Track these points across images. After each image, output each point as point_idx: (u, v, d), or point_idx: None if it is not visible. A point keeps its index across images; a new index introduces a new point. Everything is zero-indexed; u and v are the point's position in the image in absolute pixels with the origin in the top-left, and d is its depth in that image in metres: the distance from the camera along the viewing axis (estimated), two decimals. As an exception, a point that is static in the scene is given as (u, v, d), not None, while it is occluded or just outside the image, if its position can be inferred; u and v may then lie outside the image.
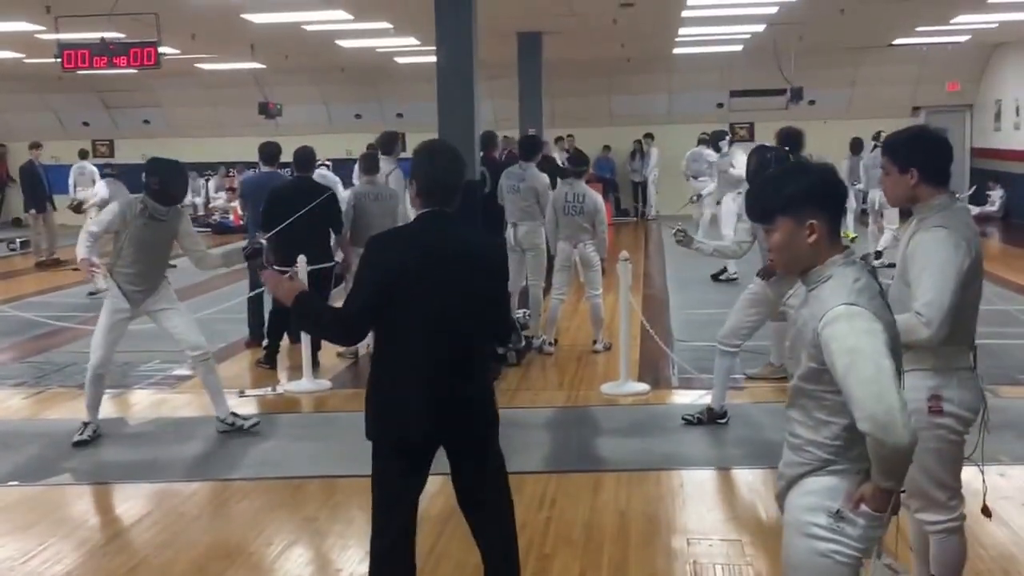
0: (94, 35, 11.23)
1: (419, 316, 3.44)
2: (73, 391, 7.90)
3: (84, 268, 6.50)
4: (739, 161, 12.70)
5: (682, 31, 15.39)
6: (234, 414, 6.75)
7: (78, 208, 17.02)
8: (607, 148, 21.64)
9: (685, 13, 13.34)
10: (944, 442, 3.44)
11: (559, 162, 17.36)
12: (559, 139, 19.48)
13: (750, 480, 5.74)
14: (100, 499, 5.67)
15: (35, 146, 16.19)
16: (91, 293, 11.88)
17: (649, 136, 21.46)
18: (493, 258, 3.71)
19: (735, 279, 12.60)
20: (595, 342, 9.08)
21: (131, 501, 5.62)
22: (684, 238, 6.61)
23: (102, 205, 15.83)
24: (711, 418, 6.71)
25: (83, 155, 19.21)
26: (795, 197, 2.67)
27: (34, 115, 22.38)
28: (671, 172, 21.21)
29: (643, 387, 7.75)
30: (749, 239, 6.57)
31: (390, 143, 10.06)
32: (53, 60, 10.61)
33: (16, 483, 5.88)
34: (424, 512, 5.08)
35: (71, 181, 18.76)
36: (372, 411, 3.54)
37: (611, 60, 19.54)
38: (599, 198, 8.74)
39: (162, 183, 6.31)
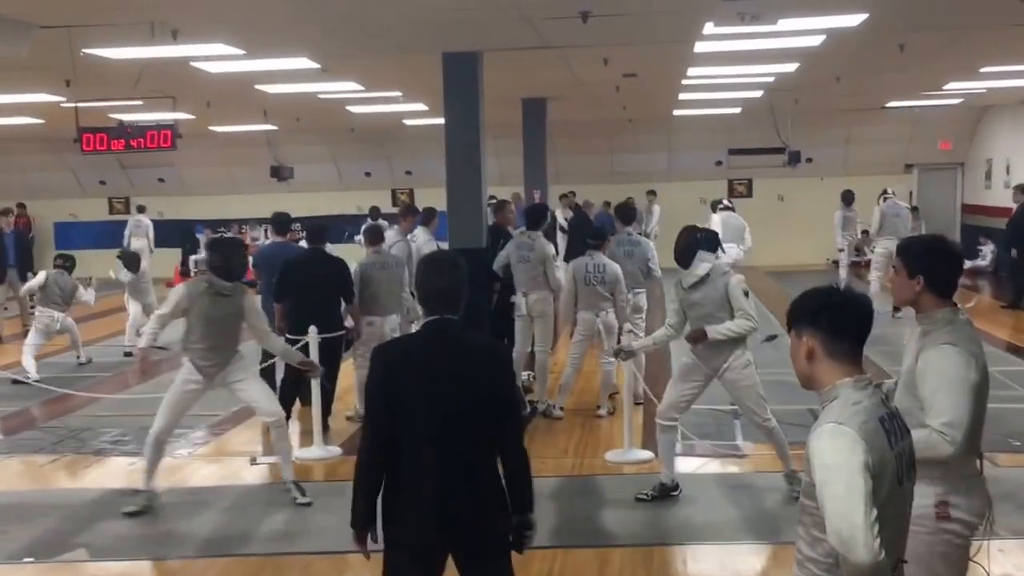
0: (114, 103, 11.55)
1: (422, 426, 3.53)
2: (89, 458, 8.07)
3: (141, 358, 6.64)
4: (714, 222, 12.99)
5: (682, 96, 15.76)
6: (296, 484, 6.93)
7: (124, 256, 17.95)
8: (607, 204, 21.86)
9: (685, 81, 13.71)
10: (951, 546, 3.53)
11: (561, 221, 17.68)
12: (564, 196, 19.75)
13: (756, 556, 5.84)
14: (115, 577, 5.79)
15: (4, 212, 14.90)
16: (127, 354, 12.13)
17: (652, 193, 21.75)
18: (496, 361, 3.71)
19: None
20: (599, 407, 9.22)
21: (147, 578, 5.75)
22: (627, 355, 7.17)
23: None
24: (663, 493, 6.81)
25: (140, 210, 20.71)
26: (795, 314, 2.85)
27: (53, 174, 22.80)
28: (673, 227, 21.44)
29: (647, 455, 7.85)
30: (677, 319, 6.76)
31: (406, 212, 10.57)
32: (73, 129, 10.90)
33: (31, 560, 5.96)
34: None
35: (127, 232, 19.79)
36: (382, 517, 3.62)
37: (613, 121, 19.92)
38: (619, 268, 8.97)
39: (224, 260, 6.60)
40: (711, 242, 6.75)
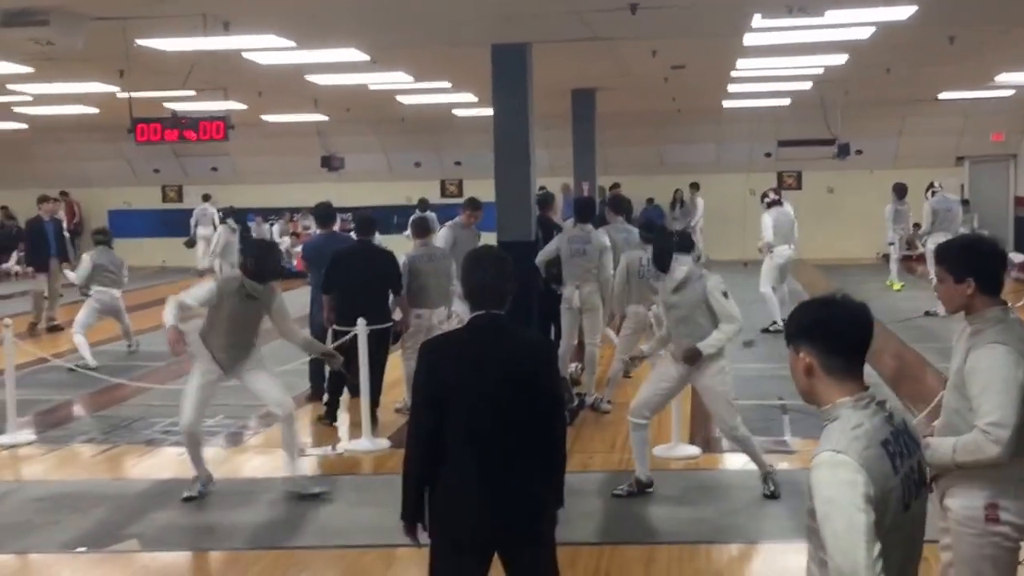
0: (167, 93, 11.67)
1: (468, 421, 3.55)
2: (140, 448, 8.19)
3: (172, 338, 6.63)
4: (766, 224, 12.79)
5: (731, 87, 15.62)
6: (303, 479, 6.96)
7: (191, 245, 18.59)
8: (651, 201, 21.72)
9: (734, 73, 13.59)
10: (1000, 549, 3.49)
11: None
12: (613, 186, 19.64)
13: (803, 556, 5.73)
14: (165, 569, 5.84)
15: (43, 199, 14.62)
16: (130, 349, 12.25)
17: (695, 185, 21.52)
18: (542, 357, 3.76)
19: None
20: (647, 402, 9.17)
21: (195, 571, 5.81)
22: (638, 361, 7.33)
23: (222, 250, 16.40)
24: (640, 489, 6.80)
25: (206, 198, 21.34)
26: (790, 329, 2.75)
27: (108, 163, 23.16)
28: (721, 219, 21.34)
29: (694, 450, 7.81)
30: (666, 323, 6.83)
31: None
32: (127, 118, 11.07)
33: (84, 549, 6.04)
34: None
35: (193, 221, 20.85)
36: (430, 511, 3.64)
37: (662, 112, 19.78)
38: None
39: (257, 263, 6.68)
40: (685, 244, 6.73)
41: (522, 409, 3.56)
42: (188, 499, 6.78)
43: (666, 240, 6.73)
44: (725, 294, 6.43)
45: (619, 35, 10.13)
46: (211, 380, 6.78)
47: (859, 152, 19.77)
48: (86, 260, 11.77)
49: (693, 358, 6.42)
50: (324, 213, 9.74)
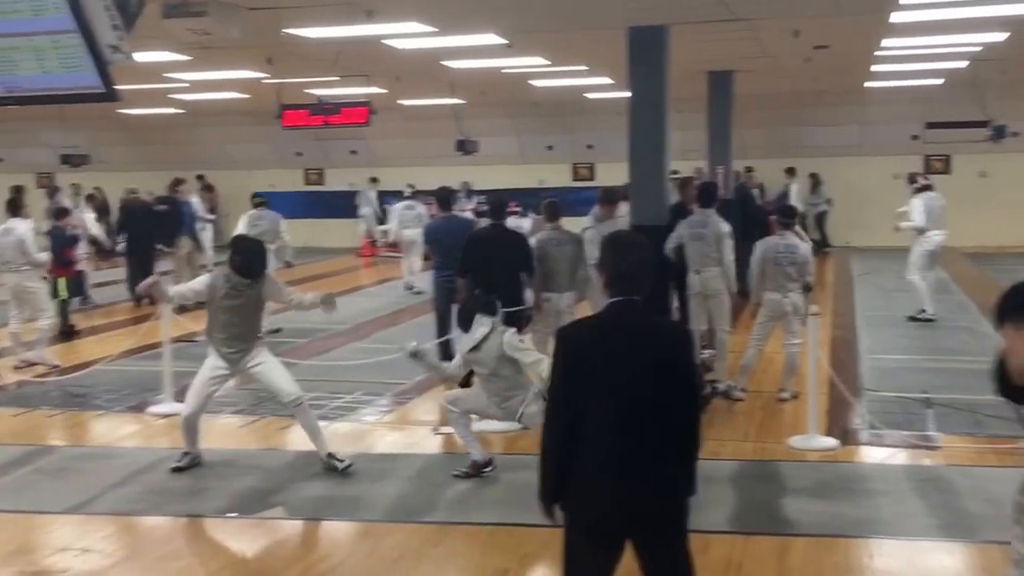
0: (312, 79, 12.03)
1: (604, 407, 3.56)
2: (285, 421, 8.50)
3: (150, 282, 7.41)
4: (916, 208, 12.32)
5: (875, 67, 15.06)
6: (331, 455, 7.12)
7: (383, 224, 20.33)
8: (791, 171, 21.14)
9: (879, 52, 13.08)
10: None
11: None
12: (748, 169, 19.12)
13: (948, 555, 5.60)
14: (309, 536, 6.10)
15: (179, 182, 15.64)
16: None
17: (791, 171, 20.77)
18: (679, 345, 3.74)
19: (933, 320, 12.18)
20: (782, 391, 9.01)
21: (336, 540, 6.05)
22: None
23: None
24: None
25: (373, 181, 23.13)
26: (1010, 306, 2.71)
27: (253, 146, 24.05)
28: (861, 204, 20.68)
29: (832, 442, 7.65)
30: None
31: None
32: (275, 102, 11.49)
33: (235, 515, 6.36)
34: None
35: (357, 202, 22.79)
36: (564, 494, 3.65)
37: (801, 93, 19.27)
38: (809, 249, 8.77)
39: (243, 260, 7.01)
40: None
41: (658, 395, 3.56)
42: (176, 470, 7.12)
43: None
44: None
45: (759, 15, 9.91)
46: (219, 375, 7.11)
47: (1015, 134, 18.81)
48: (242, 221, 12.48)
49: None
50: (444, 196, 10.24)
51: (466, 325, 6.84)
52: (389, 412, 8.92)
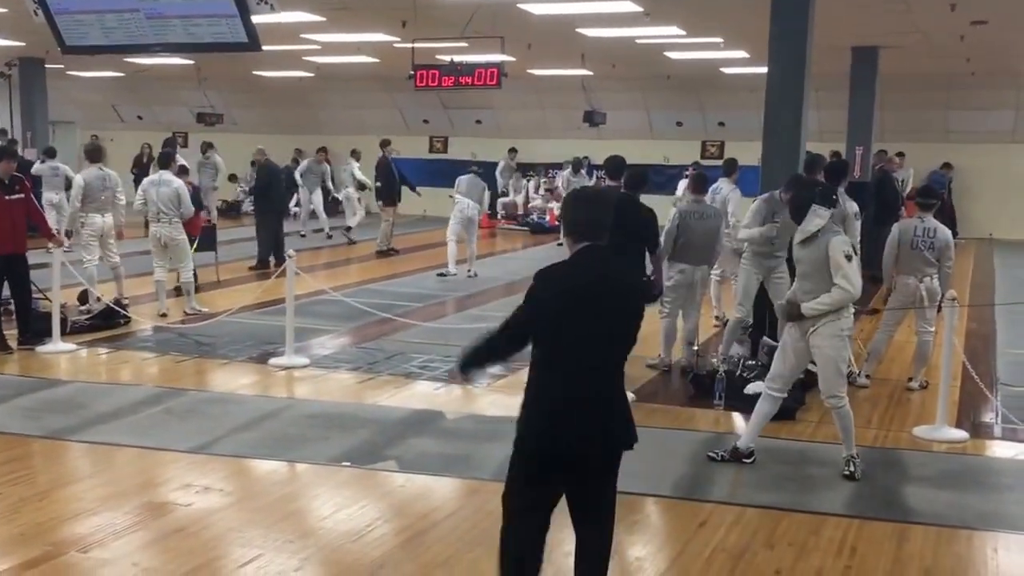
0: (446, 44, 12.04)
1: (569, 341, 3.76)
2: (400, 379, 8.65)
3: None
4: None
5: (1037, 47, 14.24)
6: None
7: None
8: (947, 166, 20.29)
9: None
10: None
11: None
12: (899, 154, 18.31)
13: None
14: (419, 489, 6.16)
15: (386, 143, 17.41)
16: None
17: (900, 155, 19.67)
18: (632, 284, 4.13)
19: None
20: (911, 380, 8.68)
21: (446, 495, 6.10)
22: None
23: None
24: (737, 457, 6.54)
25: (512, 151, 23.26)
26: None
27: (383, 111, 24.41)
28: (1013, 194, 19.72)
29: (961, 434, 7.33)
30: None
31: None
32: (406, 67, 11.58)
33: (348, 464, 6.51)
34: (719, 543, 5.20)
35: (497, 172, 22.90)
36: (520, 425, 3.86)
37: (952, 74, 18.39)
38: (949, 233, 8.41)
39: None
40: (827, 197, 6.45)
41: (618, 341, 3.85)
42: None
43: (809, 189, 6.50)
44: (848, 257, 6.05)
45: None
46: None
47: None
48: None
49: (792, 315, 6.19)
50: (616, 166, 8.88)
51: (800, 215, 6.33)
52: (501, 377, 8.94)
